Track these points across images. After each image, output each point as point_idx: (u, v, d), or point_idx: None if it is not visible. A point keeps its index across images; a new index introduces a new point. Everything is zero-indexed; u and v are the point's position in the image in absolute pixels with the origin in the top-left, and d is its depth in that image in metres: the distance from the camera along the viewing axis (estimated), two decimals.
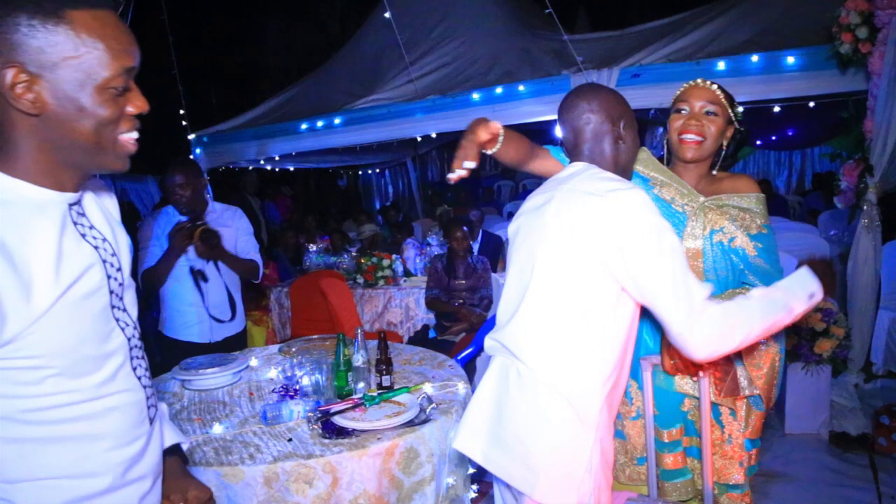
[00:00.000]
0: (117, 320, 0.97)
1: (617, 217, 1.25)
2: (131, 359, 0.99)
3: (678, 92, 1.73)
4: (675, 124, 1.69)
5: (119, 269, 0.99)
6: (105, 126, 0.88)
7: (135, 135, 0.93)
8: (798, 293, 1.29)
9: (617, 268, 1.26)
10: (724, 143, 1.69)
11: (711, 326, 1.19)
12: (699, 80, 1.69)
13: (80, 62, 0.84)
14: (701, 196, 1.68)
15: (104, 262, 0.95)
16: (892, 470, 2.88)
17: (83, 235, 0.93)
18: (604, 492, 1.29)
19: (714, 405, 1.60)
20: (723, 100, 1.66)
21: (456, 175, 1.44)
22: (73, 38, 0.83)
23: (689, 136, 1.65)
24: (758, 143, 9.78)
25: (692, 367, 1.51)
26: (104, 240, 0.98)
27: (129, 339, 0.99)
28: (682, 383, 1.63)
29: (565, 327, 1.31)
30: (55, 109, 0.84)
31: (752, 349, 1.61)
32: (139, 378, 1.01)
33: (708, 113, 1.65)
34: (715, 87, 1.67)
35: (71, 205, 0.93)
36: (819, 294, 1.31)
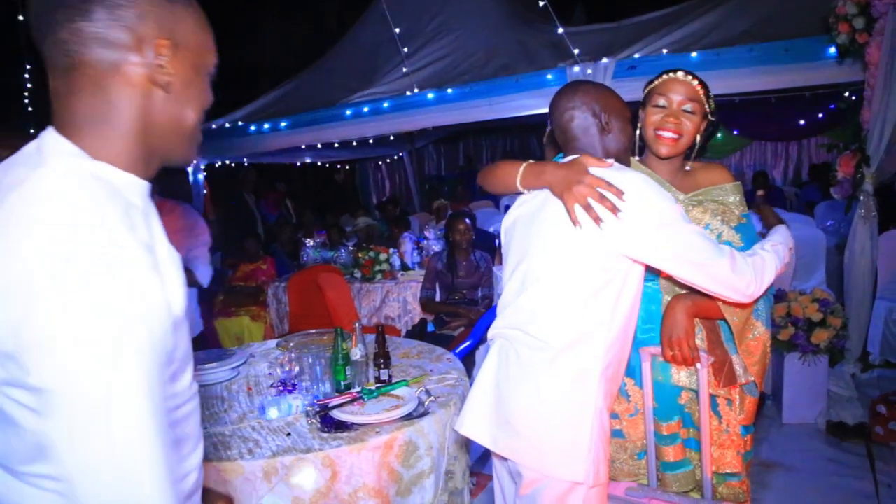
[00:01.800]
0: None
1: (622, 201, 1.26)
2: None
3: (656, 82, 1.66)
4: (651, 118, 1.64)
5: None
6: (201, 114, 0.85)
7: None
8: (786, 247, 1.56)
9: (636, 251, 1.30)
10: (698, 136, 1.66)
11: (747, 275, 1.37)
12: (679, 73, 1.63)
13: (199, 45, 0.82)
14: (680, 193, 1.67)
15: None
16: (888, 459, 2.90)
17: None
18: (602, 464, 1.33)
19: (711, 396, 1.61)
20: (702, 95, 1.62)
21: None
22: (196, 19, 0.81)
23: (667, 134, 1.61)
24: (754, 132, 9.76)
25: (690, 359, 1.52)
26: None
27: None
28: (679, 377, 1.63)
29: (572, 305, 1.33)
30: (177, 90, 0.80)
31: (744, 338, 1.61)
32: None
33: (686, 111, 1.61)
34: (696, 81, 1.62)
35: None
36: (793, 247, 1.61)
